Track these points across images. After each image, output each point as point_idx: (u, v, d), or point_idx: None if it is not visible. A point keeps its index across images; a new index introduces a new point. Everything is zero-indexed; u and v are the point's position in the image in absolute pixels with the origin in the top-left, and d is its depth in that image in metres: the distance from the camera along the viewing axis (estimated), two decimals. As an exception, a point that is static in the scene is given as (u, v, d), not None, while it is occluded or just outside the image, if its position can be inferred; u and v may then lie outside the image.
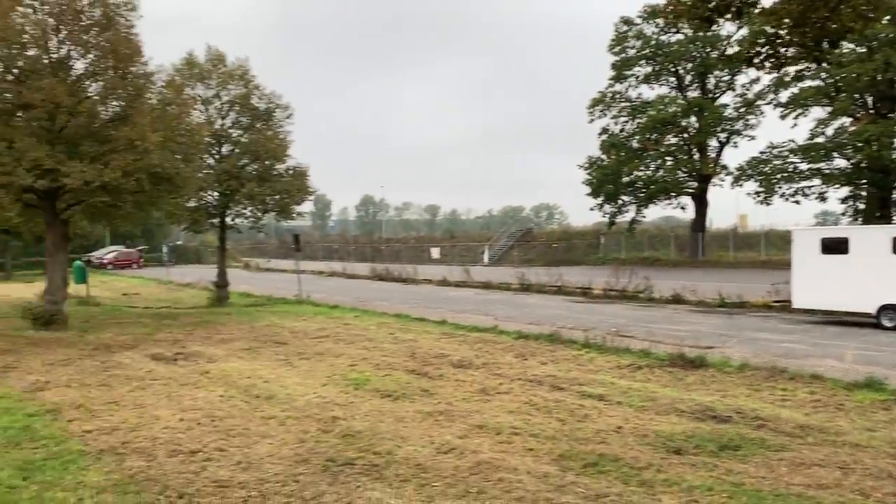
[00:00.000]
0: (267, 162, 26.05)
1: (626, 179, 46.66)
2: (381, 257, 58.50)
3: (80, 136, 18.19)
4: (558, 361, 13.19)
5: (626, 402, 9.77)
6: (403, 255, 58.56)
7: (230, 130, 26.36)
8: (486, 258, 52.82)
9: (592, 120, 49.55)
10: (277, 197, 26.22)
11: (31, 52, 18.19)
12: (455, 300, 26.73)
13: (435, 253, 57.50)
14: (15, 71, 18.01)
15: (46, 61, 18.17)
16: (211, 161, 25.72)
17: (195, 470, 6.78)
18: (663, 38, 47.79)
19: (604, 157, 48.16)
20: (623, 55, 48.66)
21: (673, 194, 47.80)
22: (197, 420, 8.72)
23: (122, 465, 6.93)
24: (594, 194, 47.86)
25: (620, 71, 48.70)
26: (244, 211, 26.97)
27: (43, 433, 8.09)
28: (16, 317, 20.57)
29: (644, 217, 50.76)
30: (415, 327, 18.69)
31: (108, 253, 61.67)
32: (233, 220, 27.50)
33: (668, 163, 46.85)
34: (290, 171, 26.78)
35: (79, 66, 19.02)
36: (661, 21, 47.17)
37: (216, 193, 26.14)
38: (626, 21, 48.77)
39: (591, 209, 49.58)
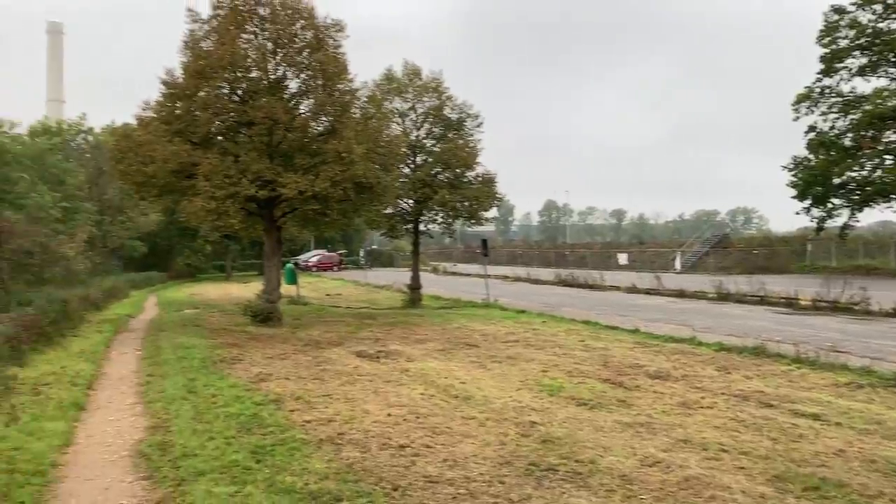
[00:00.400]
0: (458, 170, 26.86)
1: (837, 181, 42.49)
2: (565, 263, 58.00)
3: (294, 149, 19.82)
4: (765, 376, 12.29)
5: (847, 423, 8.88)
6: (588, 260, 57.65)
7: (424, 141, 27.56)
8: (678, 265, 50.55)
9: (798, 117, 45.65)
10: (467, 203, 26.93)
11: (253, 75, 20.13)
12: (646, 308, 25.83)
13: (622, 259, 55.98)
14: (239, 92, 20.04)
15: (265, 82, 20.02)
16: (406, 170, 27.03)
17: (405, 464, 7.12)
18: (881, 25, 43.03)
19: (811, 156, 44.23)
20: (834, 46, 44.39)
21: (893, 197, 42.84)
22: (403, 416, 9.15)
23: (339, 454, 7.44)
24: (800, 197, 44.09)
25: (831, 63, 44.43)
26: (436, 217, 27.98)
27: (269, 421, 8.88)
28: (238, 313, 22.80)
29: (858, 222, 45.96)
30: (605, 335, 18.29)
31: (313, 256, 66.75)
32: (426, 226, 28.66)
33: (888, 162, 42.05)
34: (479, 178, 27.41)
35: (293, 85, 20.78)
36: (878, 7, 42.52)
37: (411, 201, 27.40)
38: (838, 10, 44.42)
39: (797, 213, 45.73)
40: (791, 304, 25.30)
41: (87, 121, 47.89)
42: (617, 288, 35.10)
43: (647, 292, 32.75)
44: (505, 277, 45.24)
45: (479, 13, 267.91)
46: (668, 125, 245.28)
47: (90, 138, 46.49)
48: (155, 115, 19.79)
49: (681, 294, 30.86)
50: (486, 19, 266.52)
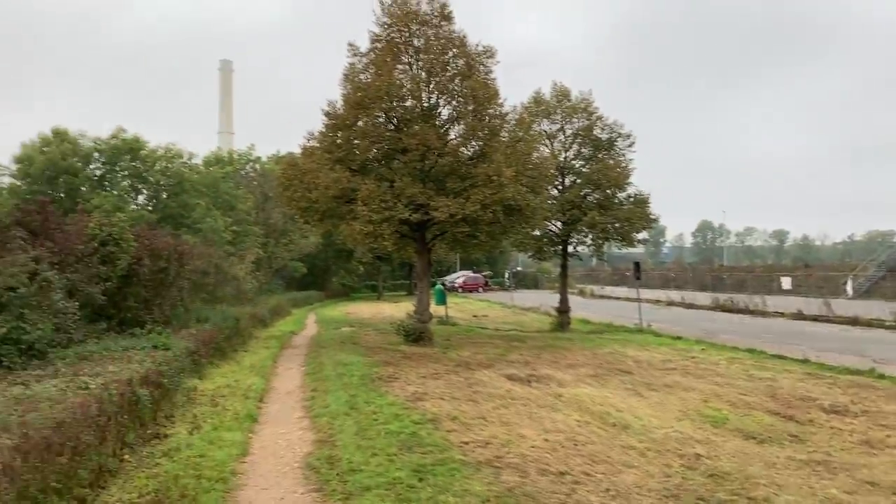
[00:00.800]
0: (608, 190, 26.36)
1: None
2: (722, 286, 55.04)
3: (445, 173, 20.29)
4: (963, 416, 11.03)
5: None
6: (748, 284, 54.35)
7: (573, 162, 27.31)
8: (849, 290, 46.52)
9: None
10: (618, 225, 26.32)
11: (407, 103, 20.88)
12: (815, 336, 23.97)
13: (785, 283, 52.32)
14: (394, 120, 20.85)
15: (419, 110, 20.70)
16: (555, 192, 26.87)
17: (566, 491, 7.03)
18: None
19: None
20: None
21: None
22: (560, 442, 9.04)
23: (499, 478, 7.47)
24: None
25: None
26: (585, 239, 27.56)
27: (428, 440, 9.08)
28: (391, 332, 23.56)
29: None
30: (771, 364, 17.17)
31: (458, 277, 67.78)
32: (574, 248, 28.29)
33: None
34: (631, 199, 26.73)
35: (444, 111, 21.33)
36: None
37: (559, 223, 27.18)
38: None
39: None
40: None
41: (254, 151, 51.71)
42: (781, 314, 32.90)
43: (816, 319, 30.43)
44: (657, 301, 43.69)
45: (629, 32, 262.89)
46: (833, 141, 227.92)
47: (258, 167, 50.08)
48: (318, 145, 21.01)
49: (854, 321, 28.40)
50: (635, 38, 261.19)
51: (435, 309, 28.41)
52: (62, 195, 32.55)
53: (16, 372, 9.51)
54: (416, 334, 21.52)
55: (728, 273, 65.77)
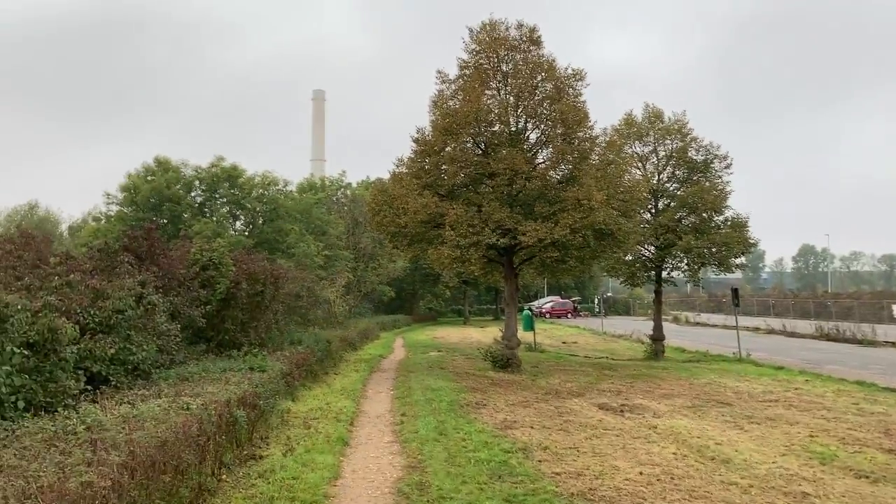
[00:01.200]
0: (704, 214, 25.57)
1: None
2: (827, 314, 52.08)
3: (533, 198, 20.19)
4: None
5: None
6: (855, 312, 51.22)
7: (667, 184, 26.70)
8: (971, 319, 43.22)
9: None
10: (715, 249, 25.44)
11: (495, 128, 20.97)
12: (933, 369, 22.34)
13: (898, 311, 49.07)
14: (482, 145, 20.97)
15: (507, 134, 20.75)
16: (648, 216, 26.29)
17: (664, 529, 6.74)
18: None
19: None
20: None
21: None
22: (656, 476, 8.71)
23: (592, 511, 7.26)
24: None
25: None
26: (680, 264, 26.79)
27: (518, 470, 8.93)
28: (479, 358, 23.47)
29: None
30: (883, 398, 16.09)
31: (546, 303, 67.05)
32: (669, 273, 27.55)
33: None
34: (729, 223, 25.81)
35: (533, 135, 21.31)
36: None
37: (653, 247, 26.53)
38: None
39: None
40: None
41: (345, 177, 53.15)
42: (893, 344, 30.86)
43: (934, 350, 28.38)
44: (756, 329, 41.86)
45: (723, 54, 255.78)
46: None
47: (348, 193, 51.41)
48: (406, 171, 21.36)
49: (981, 354, 26.30)
50: (731, 56, 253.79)
51: (523, 335, 28.18)
52: (166, 221, 34.38)
53: (122, 391, 9.98)
54: (503, 360, 21.36)
55: (833, 300, 62.23)
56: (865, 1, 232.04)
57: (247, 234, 37.60)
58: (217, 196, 37.88)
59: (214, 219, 35.98)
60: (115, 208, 36.74)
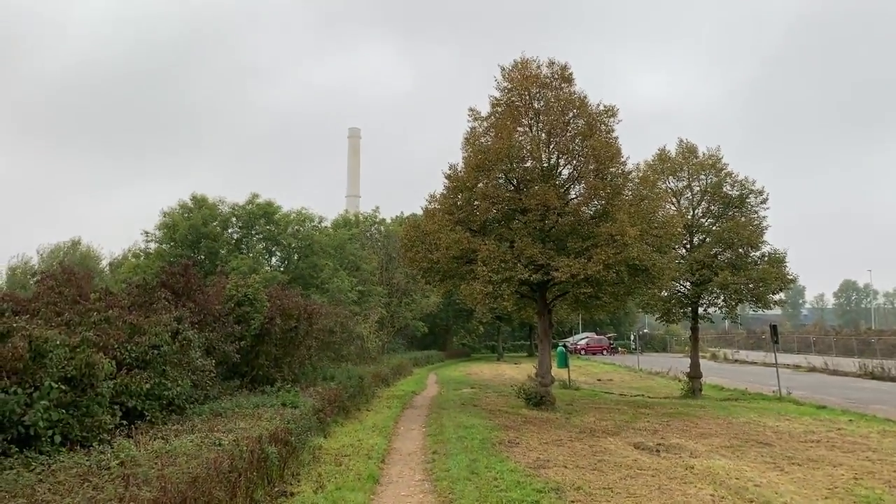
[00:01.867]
0: (740, 249, 25.27)
1: None
2: (871, 352, 50.56)
3: (566, 233, 20.15)
4: None
5: None
6: (902, 350, 49.74)
7: (701, 220, 26.49)
8: None
9: None
10: (752, 285, 25.03)
11: (527, 164, 21.06)
12: None
13: (947, 349, 47.46)
14: (514, 181, 21.05)
15: (539, 170, 20.80)
16: (683, 251, 26.04)
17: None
18: None
19: None
20: None
21: None
22: (693, 520, 8.48)
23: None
24: None
25: None
26: (717, 300, 26.42)
27: (550, 510, 8.77)
28: (512, 395, 23.23)
29: None
30: (934, 441, 15.51)
31: (581, 339, 66.31)
32: (705, 309, 27.18)
33: None
34: (766, 258, 25.44)
35: (565, 171, 21.34)
36: None
37: (688, 283, 26.22)
38: None
39: None
40: None
41: (379, 213, 53.61)
42: (944, 384, 29.81)
43: None
44: (797, 367, 40.77)
45: (759, 87, 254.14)
46: None
47: (382, 229, 51.80)
48: (439, 206, 21.50)
49: None
50: (764, 92, 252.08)
51: (557, 372, 27.89)
52: (203, 258, 34.98)
53: (157, 426, 10.10)
54: (537, 398, 21.12)
55: (877, 337, 60.44)
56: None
57: (282, 269, 38.06)
58: (253, 232, 38.52)
59: (251, 255, 36.51)
60: (153, 245, 37.54)
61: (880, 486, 10.75)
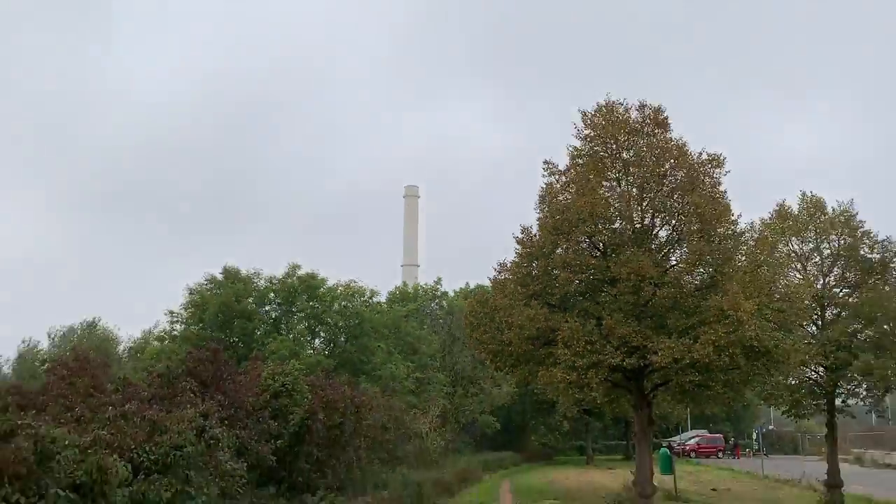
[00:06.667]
0: (885, 326, 24.34)
1: None
2: None
3: (665, 308, 19.80)
4: None
5: None
6: None
7: (834, 290, 25.77)
8: None
9: None
10: (903, 370, 24.03)
11: (615, 225, 21.00)
12: None
13: None
14: (600, 246, 20.97)
15: (630, 232, 20.67)
16: (813, 329, 25.28)
17: None
18: None
19: None
20: None
21: None
22: None
23: None
24: None
25: None
26: (858, 389, 25.41)
27: None
28: (603, 508, 22.58)
29: None
30: None
31: (691, 438, 64.23)
32: (843, 401, 26.17)
33: None
34: (920, 336, 24.44)
35: (662, 233, 21.17)
36: None
37: (821, 368, 25.32)
38: None
39: None
40: None
41: (441, 285, 53.85)
42: None
43: None
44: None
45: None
46: None
47: (444, 304, 51.99)
48: (510, 277, 21.51)
49: None
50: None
51: (660, 478, 27.02)
52: (236, 339, 35.68)
53: (177, 543, 10.19)
54: (635, 512, 20.46)
55: None
56: None
57: (327, 353, 38.45)
58: (294, 310, 39.15)
59: (290, 336, 37.05)
60: (179, 327, 38.48)
61: None
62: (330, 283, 39.70)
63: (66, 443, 9.06)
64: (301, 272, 39.01)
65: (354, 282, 40.55)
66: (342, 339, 39.36)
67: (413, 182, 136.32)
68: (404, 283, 59.30)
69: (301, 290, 38.55)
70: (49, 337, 53.11)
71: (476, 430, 48.74)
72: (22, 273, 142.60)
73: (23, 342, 52.66)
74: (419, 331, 43.74)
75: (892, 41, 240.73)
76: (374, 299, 42.07)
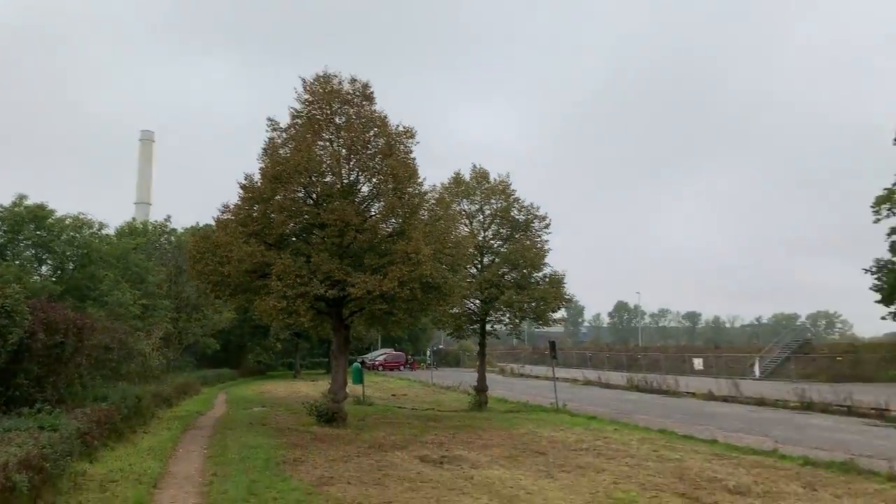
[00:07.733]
0: (525, 270, 26.90)
1: (924, 283, 40.56)
2: (637, 366, 56.31)
3: (363, 250, 20.25)
4: (856, 495, 11.42)
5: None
6: (662, 364, 55.81)
7: (491, 241, 27.89)
8: (756, 371, 48.37)
9: (878, 220, 44.26)
10: (534, 304, 26.76)
11: (327, 179, 20.95)
12: (723, 417, 24.59)
13: (697, 364, 53.93)
14: (313, 195, 20.82)
15: (339, 186, 20.77)
16: (473, 270, 27.24)
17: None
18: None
19: (895, 259, 42.59)
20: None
21: None
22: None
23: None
24: (886, 301, 42.15)
25: (910, 163, 43.22)
26: (503, 318, 27.87)
27: (330, 527, 8.66)
28: (303, 413, 22.80)
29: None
30: (681, 445, 17.43)
31: (380, 355, 66.94)
32: (492, 326, 28.55)
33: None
34: (547, 279, 27.32)
35: (364, 188, 21.49)
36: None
37: (478, 301, 27.43)
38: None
39: (883, 318, 43.54)
40: (882, 415, 23.76)
41: (171, 223, 50.32)
42: (693, 394, 33.70)
43: (725, 399, 31.33)
44: (574, 381, 44.10)
45: (564, 134, 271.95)
46: (743, 231, 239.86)
47: (173, 239, 48.72)
48: (233, 218, 20.67)
49: (761, 402, 29.37)
50: (566, 131, 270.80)
51: (352, 388, 27.81)
52: (-43, 265, 30.64)
53: None
54: (328, 415, 20.89)
55: (643, 353, 67.34)
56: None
57: (54, 279, 34.36)
58: (21, 238, 34.43)
59: (16, 262, 32.58)
60: None
61: (635, 488, 11.86)
62: (58, 214, 35.38)
63: None
64: (28, 203, 34.32)
65: (83, 214, 36.50)
66: (70, 266, 35.36)
67: (153, 128, 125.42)
68: (133, 219, 54.45)
69: (28, 219, 33.94)
70: None
71: (198, 350, 46.66)
72: None
73: None
74: (147, 262, 40.60)
75: (535, 50, 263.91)
76: (104, 231, 38.24)
